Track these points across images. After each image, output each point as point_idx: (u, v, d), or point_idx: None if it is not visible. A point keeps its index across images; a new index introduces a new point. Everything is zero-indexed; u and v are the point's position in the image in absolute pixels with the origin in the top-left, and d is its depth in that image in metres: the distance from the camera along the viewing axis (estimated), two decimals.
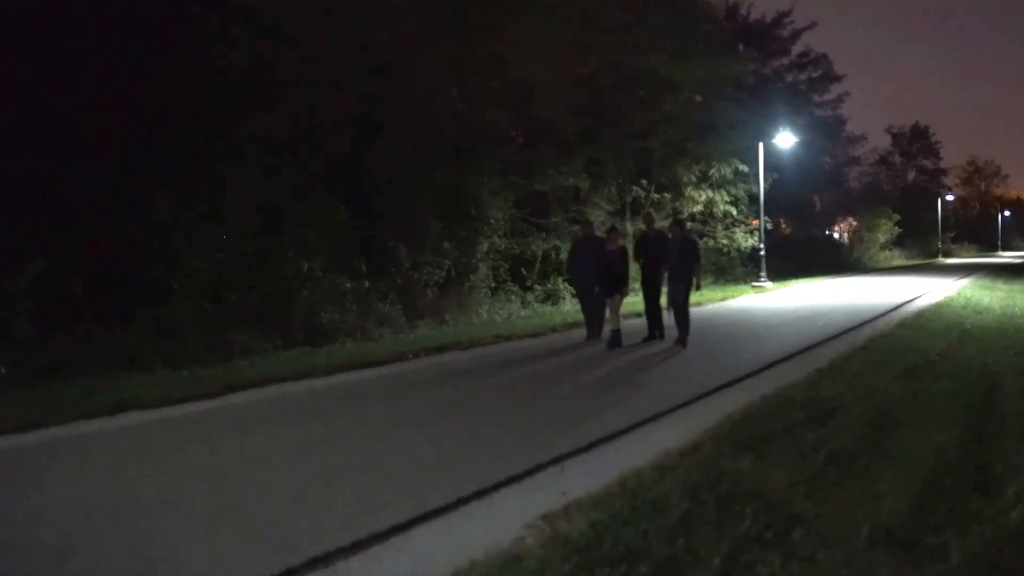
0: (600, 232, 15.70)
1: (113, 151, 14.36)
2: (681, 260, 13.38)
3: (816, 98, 53.49)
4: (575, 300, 21.87)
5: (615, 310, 13.50)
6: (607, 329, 13.72)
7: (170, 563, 4.69)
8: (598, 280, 13.56)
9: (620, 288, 13.45)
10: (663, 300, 13.93)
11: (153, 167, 14.74)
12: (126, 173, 14.46)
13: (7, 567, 4.71)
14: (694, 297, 14.54)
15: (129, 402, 9.02)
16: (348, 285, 16.56)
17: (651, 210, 22.49)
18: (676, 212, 28.72)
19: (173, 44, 15.59)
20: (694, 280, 13.68)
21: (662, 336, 13.99)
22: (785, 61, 50.81)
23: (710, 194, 30.86)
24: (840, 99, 55.14)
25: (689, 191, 30.35)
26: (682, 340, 13.29)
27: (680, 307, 13.46)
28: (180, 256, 14.25)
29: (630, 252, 14.78)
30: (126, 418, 8.57)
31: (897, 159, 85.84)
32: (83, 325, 12.75)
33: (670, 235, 13.97)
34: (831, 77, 53.31)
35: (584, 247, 14.61)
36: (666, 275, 13.59)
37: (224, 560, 4.73)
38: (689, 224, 30.60)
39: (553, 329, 15.99)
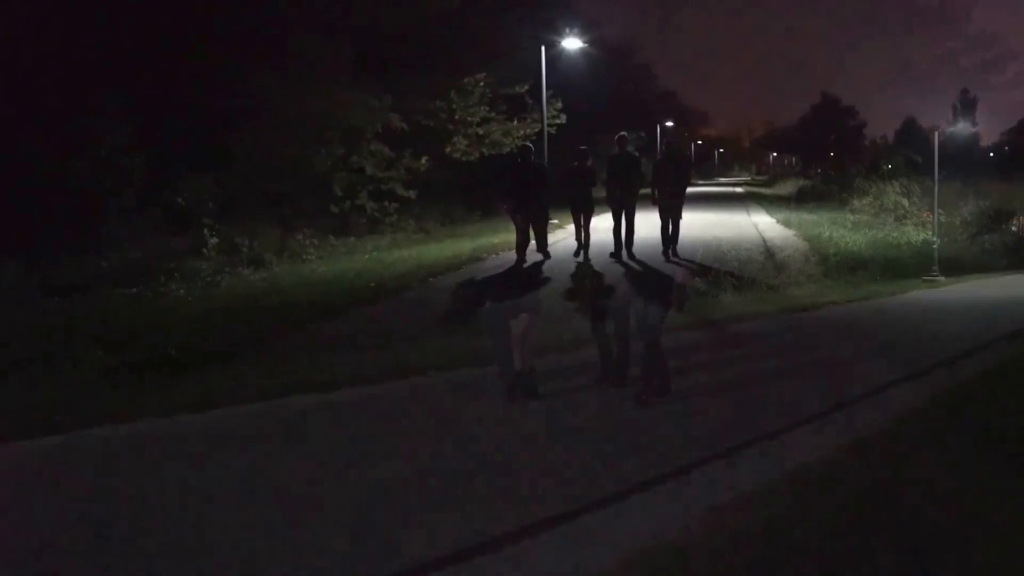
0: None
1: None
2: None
3: (991, 80, 51.00)
4: None
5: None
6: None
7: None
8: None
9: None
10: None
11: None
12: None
13: (189, 537, 4.88)
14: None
15: (296, 386, 9.22)
16: None
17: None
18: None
19: None
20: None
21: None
22: (959, 43, 48.66)
23: (880, 185, 29.90)
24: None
25: (857, 182, 29.56)
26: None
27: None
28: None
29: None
30: (294, 401, 8.75)
31: None
32: None
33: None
34: (1007, 56, 50.61)
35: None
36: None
37: (405, 536, 4.79)
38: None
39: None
